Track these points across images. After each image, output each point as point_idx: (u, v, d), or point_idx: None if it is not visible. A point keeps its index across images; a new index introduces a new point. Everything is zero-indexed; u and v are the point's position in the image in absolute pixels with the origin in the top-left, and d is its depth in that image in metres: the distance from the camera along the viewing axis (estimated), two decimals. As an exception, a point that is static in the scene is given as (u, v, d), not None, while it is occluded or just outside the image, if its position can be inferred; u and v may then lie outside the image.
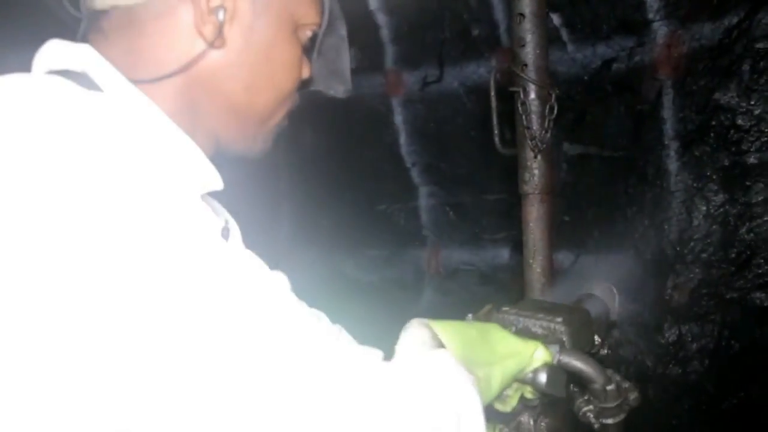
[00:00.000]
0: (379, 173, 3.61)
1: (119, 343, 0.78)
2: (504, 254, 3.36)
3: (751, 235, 2.64)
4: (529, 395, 1.27)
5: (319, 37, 1.19)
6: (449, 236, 3.54)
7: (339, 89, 1.26)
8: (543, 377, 1.21)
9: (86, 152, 0.84)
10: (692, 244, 2.74)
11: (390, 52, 3.38)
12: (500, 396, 1.23)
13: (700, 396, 2.79)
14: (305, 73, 1.20)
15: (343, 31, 1.22)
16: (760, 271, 2.65)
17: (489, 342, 1.20)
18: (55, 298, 0.78)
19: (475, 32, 3.11)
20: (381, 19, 3.29)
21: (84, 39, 1.08)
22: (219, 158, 1.14)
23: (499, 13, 3.01)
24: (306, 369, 0.87)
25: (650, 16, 2.68)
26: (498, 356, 1.19)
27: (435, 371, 1.06)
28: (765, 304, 2.65)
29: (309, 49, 1.20)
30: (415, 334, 1.18)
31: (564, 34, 2.87)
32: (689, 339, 2.78)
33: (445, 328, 1.15)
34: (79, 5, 1.11)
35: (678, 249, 2.76)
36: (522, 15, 2.08)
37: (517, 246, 2.31)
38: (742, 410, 2.73)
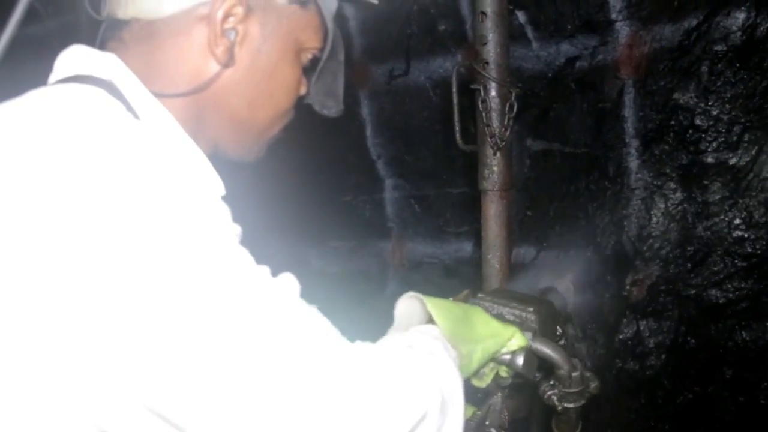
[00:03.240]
0: (345, 165, 3.62)
1: (130, 330, 0.84)
2: (467, 247, 3.38)
3: (708, 233, 2.68)
4: (503, 374, 1.41)
5: (321, 62, 1.27)
6: (414, 229, 3.56)
7: (332, 109, 1.36)
8: (520, 359, 1.35)
9: (121, 158, 0.91)
10: (651, 240, 2.78)
11: (357, 45, 3.39)
12: (477, 373, 1.37)
13: (656, 391, 2.83)
14: (302, 91, 1.29)
15: (341, 56, 1.32)
16: (715, 269, 2.69)
17: (472, 322, 1.33)
18: (80, 286, 0.84)
19: (442, 27, 3.12)
20: (349, 11, 3.30)
21: (102, 44, 1.16)
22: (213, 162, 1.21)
23: (466, 9, 3.01)
24: (303, 359, 0.91)
25: (613, 16, 2.71)
26: (480, 336, 1.32)
27: (423, 350, 1.15)
28: (720, 301, 2.69)
29: (308, 69, 1.27)
30: (408, 306, 1.34)
31: (529, 31, 2.89)
32: (647, 334, 2.82)
33: (436, 305, 1.28)
34: (100, 10, 1.19)
35: (637, 245, 2.80)
36: (484, 13, 2.09)
37: (481, 240, 2.34)
38: (697, 405, 2.77)
